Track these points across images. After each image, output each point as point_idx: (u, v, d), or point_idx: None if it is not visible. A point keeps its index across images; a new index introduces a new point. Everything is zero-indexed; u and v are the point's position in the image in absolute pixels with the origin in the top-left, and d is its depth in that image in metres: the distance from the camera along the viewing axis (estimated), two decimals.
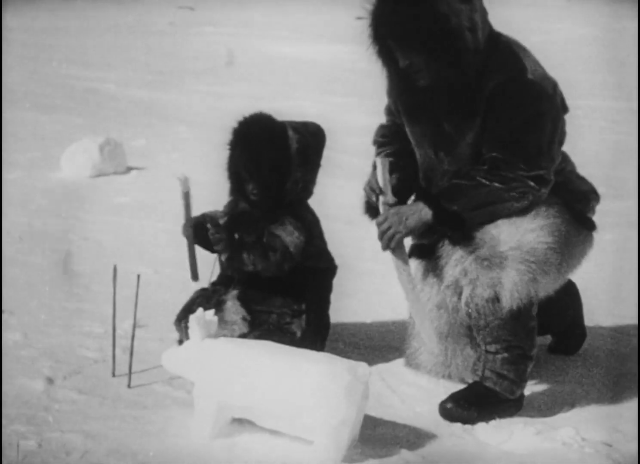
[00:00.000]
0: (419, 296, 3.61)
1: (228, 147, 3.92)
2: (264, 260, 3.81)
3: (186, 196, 3.73)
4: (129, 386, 3.63)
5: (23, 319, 4.21)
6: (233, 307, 3.84)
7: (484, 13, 3.48)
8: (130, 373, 3.65)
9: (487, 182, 3.45)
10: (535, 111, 3.45)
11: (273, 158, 3.84)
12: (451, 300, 3.58)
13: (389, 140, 3.81)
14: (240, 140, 3.88)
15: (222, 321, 3.76)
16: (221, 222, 3.97)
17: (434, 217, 3.46)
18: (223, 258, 3.91)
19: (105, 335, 3.99)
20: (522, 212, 3.47)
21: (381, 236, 3.50)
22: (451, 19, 3.37)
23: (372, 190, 3.59)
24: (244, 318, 3.81)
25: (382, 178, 3.54)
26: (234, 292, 3.86)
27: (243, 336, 3.76)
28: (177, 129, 8.86)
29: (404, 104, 3.67)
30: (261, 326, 3.81)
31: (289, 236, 3.83)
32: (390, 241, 3.48)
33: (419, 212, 3.48)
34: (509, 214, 3.46)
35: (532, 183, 3.45)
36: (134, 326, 3.70)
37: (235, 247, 3.85)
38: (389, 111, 3.83)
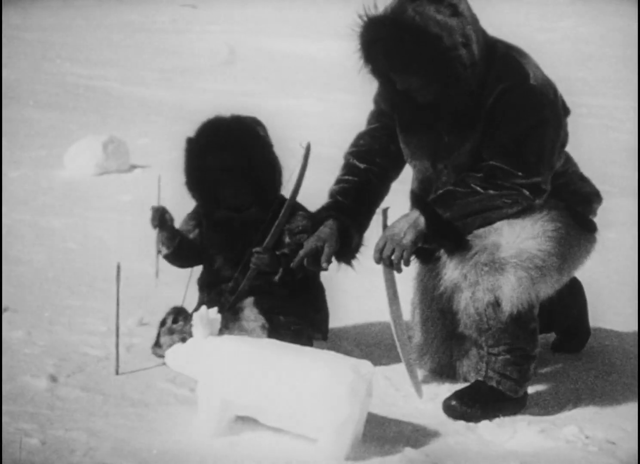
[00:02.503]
0: (403, 323, 3.60)
1: (189, 160, 3.85)
2: (285, 273, 3.79)
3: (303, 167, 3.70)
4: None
5: (26, 317, 4.22)
6: (252, 315, 3.81)
7: (475, 22, 3.41)
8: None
9: (482, 190, 3.44)
10: (538, 118, 3.42)
11: (255, 150, 3.79)
12: (450, 302, 3.58)
13: (354, 168, 3.71)
14: (206, 146, 3.80)
15: (240, 329, 3.75)
16: (192, 235, 3.94)
17: (426, 225, 3.44)
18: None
19: (109, 332, 3.99)
20: (522, 215, 3.45)
21: (387, 260, 3.47)
22: (444, 38, 3.32)
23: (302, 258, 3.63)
24: (263, 326, 3.78)
25: (383, 228, 3.55)
26: (250, 299, 3.84)
27: None
28: (180, 127, 8.85)
29: (400, 118, 3.62)
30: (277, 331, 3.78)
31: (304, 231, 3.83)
32: (398, 263, 3.46)
33: (414, 224, 3.45)
34: (500, 219, 3.45)
35: (527, 193, 3.43)
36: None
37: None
38: (373, 116, 3.76)
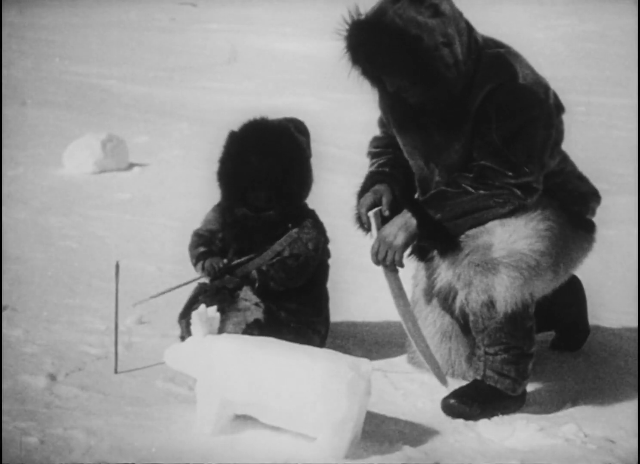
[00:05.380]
0: (413, 316, 3.60)
1: (228, 154, 3.86)
2: (290, 280, 3.82)
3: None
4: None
5: (25, 315, 4.21)
6: (245, 295, 3.84)
7: (458, 22, 3.38)
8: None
9: (473, 190, 3.43)
10: (527, 117, 3.41)
11: (296, 163, 3.82)
12: (445, 302, 3.57)
13: (383, 150, 3.77)
14: (251, 147, 3.81)
15: (234, 309, 3.77)
16: (220, 235, 3.96)
17: (418, 226, 3.45)
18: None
19: (108, 331, 4.00)
20: (515, 215, 3.45)
21: (383, 263, 3.49)
22: (423, 38, 3.29)
23: (362, 214, 3.61)
24: (257, 304, 3.81)
25: (375, 230, 3.55)
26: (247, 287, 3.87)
27: (257, 322, 3.76)
28: (179, 126, 8.86)
29: (394, 118, 3.63)
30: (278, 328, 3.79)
31: (308, 237, 3.84)
32: (392, 264, 3.49)
33: (405, 226, 3.46)
34: (493, 219, 3.45)
35: (518, 192, 3.42)
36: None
37: (260, 282, 3.84)
38: (382, 123, 3.79)
